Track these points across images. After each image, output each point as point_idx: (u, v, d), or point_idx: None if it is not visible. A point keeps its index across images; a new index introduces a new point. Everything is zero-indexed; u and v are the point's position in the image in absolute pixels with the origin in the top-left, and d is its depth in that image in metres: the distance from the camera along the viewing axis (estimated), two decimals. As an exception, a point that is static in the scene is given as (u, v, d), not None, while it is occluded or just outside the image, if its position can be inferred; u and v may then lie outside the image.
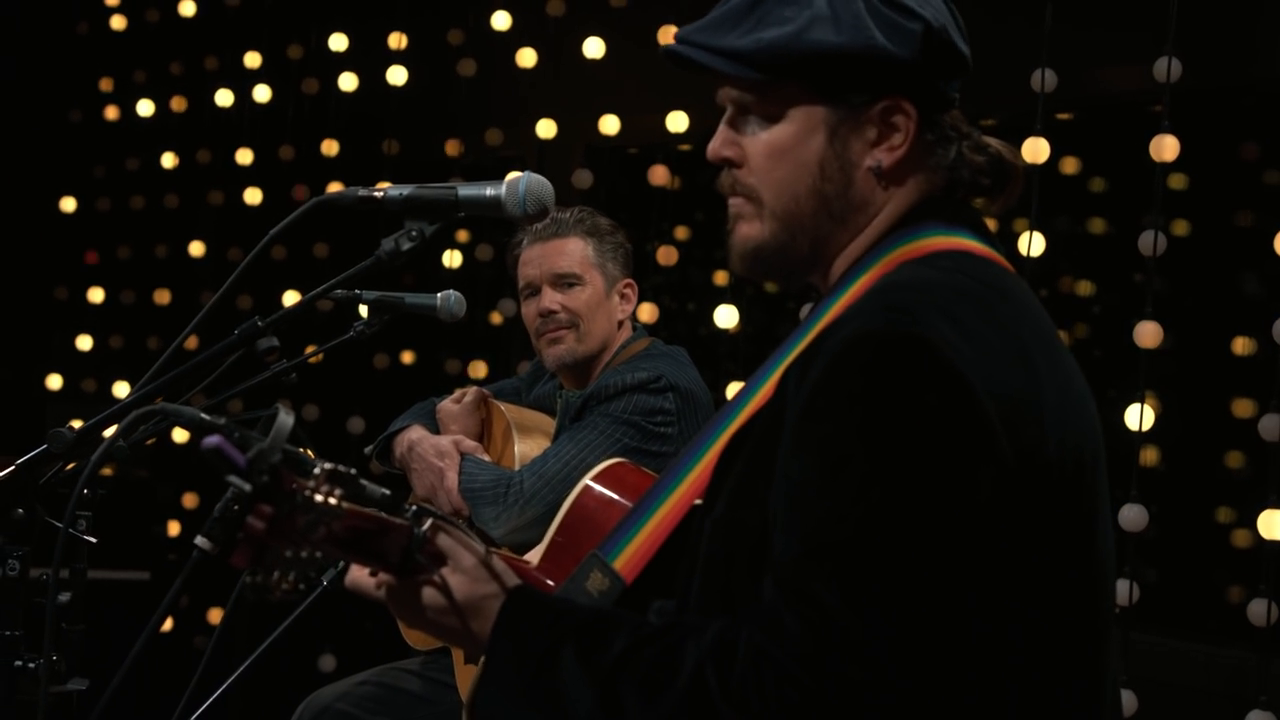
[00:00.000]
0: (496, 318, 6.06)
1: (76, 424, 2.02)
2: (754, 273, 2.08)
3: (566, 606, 1.93)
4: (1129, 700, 3.95)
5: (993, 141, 2.06)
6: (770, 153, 2.01)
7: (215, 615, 6.51)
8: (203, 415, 1.81)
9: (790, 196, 2.01)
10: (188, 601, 6.58)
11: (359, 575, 1.99)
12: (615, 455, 3.59)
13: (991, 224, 2.07)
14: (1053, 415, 1.85)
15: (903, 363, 1.77)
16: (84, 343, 7.31)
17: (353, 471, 1.80)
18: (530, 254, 3.89)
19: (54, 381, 7.31)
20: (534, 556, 2.23)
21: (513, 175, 2.07)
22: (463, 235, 6.41)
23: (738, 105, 2.04)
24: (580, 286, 3.85)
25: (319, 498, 1.75)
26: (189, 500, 6.85)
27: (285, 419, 1.75)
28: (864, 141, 1.99)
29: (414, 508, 1.91)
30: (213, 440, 1.72)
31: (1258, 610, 3.87)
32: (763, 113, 2.01)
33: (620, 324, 3.93)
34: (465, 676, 3.58)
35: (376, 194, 2.07)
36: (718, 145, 2.06)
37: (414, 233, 2.04)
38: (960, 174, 2.03)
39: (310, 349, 3.43)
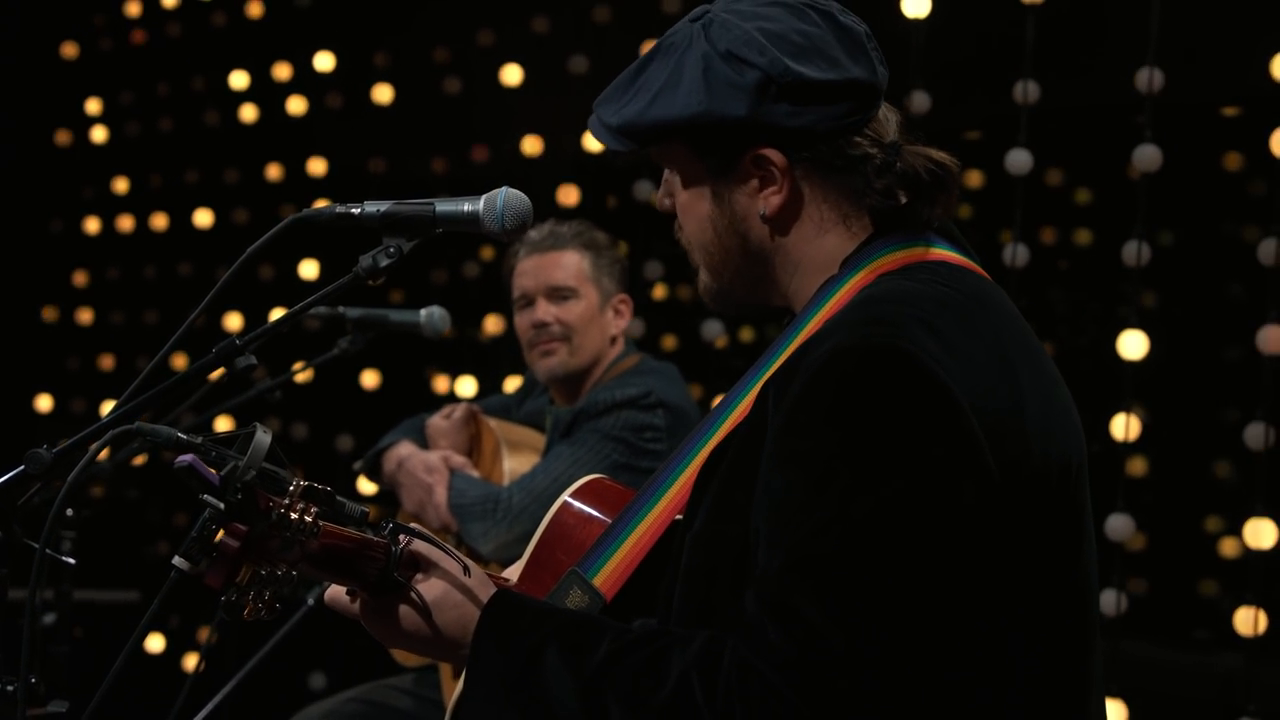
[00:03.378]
0: (485, 334, 6.06)
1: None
2: (721, 310, 2.17)
3: (550, 609, 1.93)
4: (1119, 710, 3.95)
5: (908, 155, 2.01)
6: (681, 210, 2.07)
7: (205, 634, 6.49)
8: (179, 434, 1.80)
9: (704, 248, 2.06)
10: (178, 621, 6.57)
11: (338, 593, 1.99)
12: (604, 471, 3.58)
13: (974, 235, 2.07)
14: (1036, 426, 1.85)
15: (885, 376, 1.77)
16: (73, 363, 7.30)
17: (328, 489, 1.80)
18: (526, 265, 3.89)
19: (43, 403, 7.30)
20: (512, 574, 2.22)
21: (491, 191, 2.06)
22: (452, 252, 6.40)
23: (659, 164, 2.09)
24: (575, 300, 3.85)
25: (294, 516, 1.74)
26: (179, 520, 6.82)
27: (262, 437, 1.74)
28: (746, 193, 2.01)
29: (391, 525, 1.91)
30: (185, 459, 1.71)
31: (1246, 619, 3.86)
32: (670, 170, 2.07)
33: (613, 339, 3.93)
34: (452, 691, 3.57)
35: (354, 210, 2.07)
36: (658, 201, 2.12)
37: (392, 249, 2.03)
38: (867, 200, 2.01)
39: (297, 366, 3.43)
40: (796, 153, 1.98)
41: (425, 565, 1.93)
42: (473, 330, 6.11)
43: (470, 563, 1.95)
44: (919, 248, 1.98)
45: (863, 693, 1.68)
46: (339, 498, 1.81)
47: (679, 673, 1.76)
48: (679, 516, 2.04)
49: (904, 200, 2.01)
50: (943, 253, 1.99)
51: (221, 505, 1.70)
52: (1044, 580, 1.86)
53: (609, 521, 2.13)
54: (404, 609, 1.92)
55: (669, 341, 5.78)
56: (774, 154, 1.98)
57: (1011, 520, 1.81)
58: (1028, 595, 1.84)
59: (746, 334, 5.49)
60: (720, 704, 1.73)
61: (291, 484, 1.75)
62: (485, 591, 1.93)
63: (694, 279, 2.14)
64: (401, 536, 1.90)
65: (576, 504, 2.22)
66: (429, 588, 1.92)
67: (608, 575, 2.07)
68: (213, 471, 1.70)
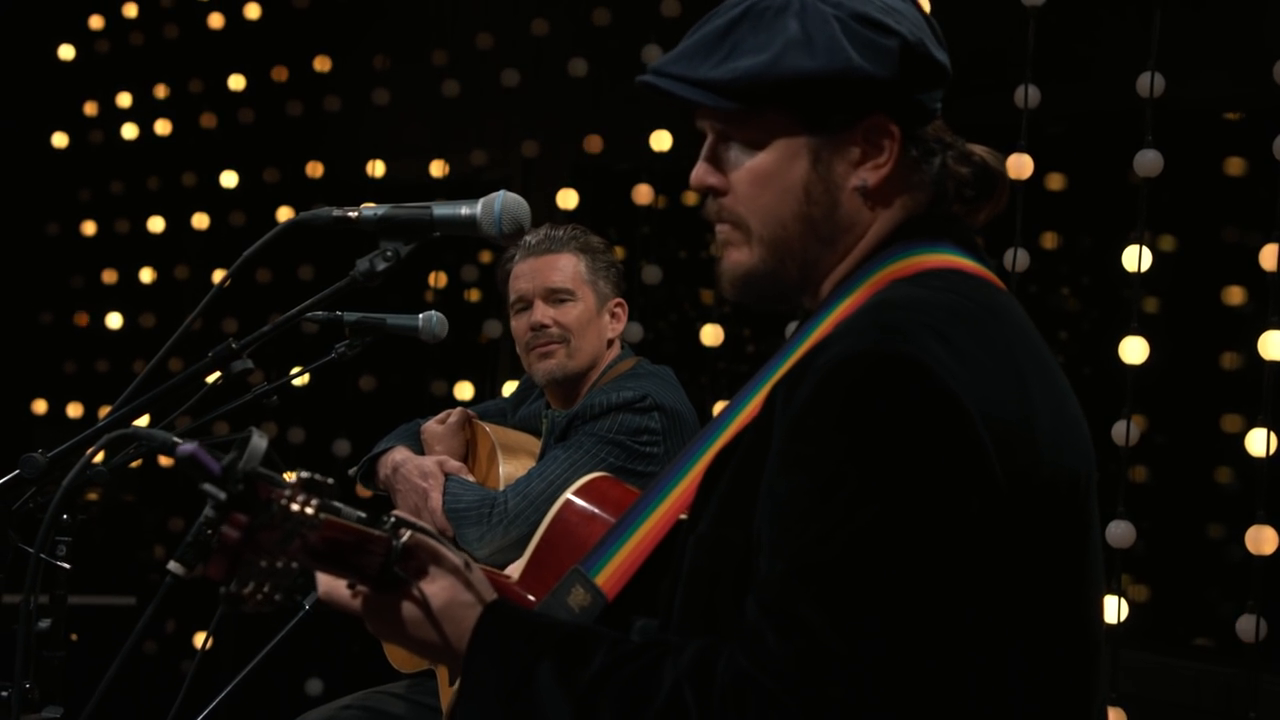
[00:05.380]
0: (483, 339, 6.05)
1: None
2: (745, 298, 2.06)
3: (544, 622, 1.91)
4: (1120, 718, 3.93)
5: (978, 150, 2.04)
6: (754, 180, 1.99)
7: (202, 639, 6.48)
8: (174, 438, 1.79)
9: (777, 222, 1.99)
10: (174, 626, 6.55)
11: (334, 587, 1.96)
12: (600, 474, 3.58)
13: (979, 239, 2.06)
14: (1046, 438, 1.84)
15: (894, 383, 1.75)
16: (70, 367, 7.29)
17: (330, 480, 1.78)
18: (522, 268, 3.88)
19: (40, 406, 7.29)
20: (514, 571, 2.21)
21: (489, 195, 2.05)
22: (449, 256, 6.40)
23: (718, 133, 2.02)
24: (572, 302, 3.84)
25: (295, 507, 1.73)
26: (175, 524, 6.82)
27: (258, 441, 1.73)
28: (848, 162, 1.98)
29: (392, 519, 1.89)
30: (188, 447, 1.70)
31: (1247, 626, 3.85)
32: (744, 140, 1.99)
33: (610, 343, 3.92)
34: (449, 697, 3.55)
35: (351, 214, 2.06)
36: (701, 174, 2.04)
37: (389, 252, 2.02)
38: (945, 186, 2.02)
39: (295, 371, 3.42)
40: (909, 127, 1.98)
41: (427, 561, 1.91)
42: (471, 334, 6.11)
43: (471, 560, 1.94)
44: (934, 254, 1.97)
45: (864, 702, 1.67)
46: (335, 502, 1.80)
47: (671, 683, 1.75)
48: (683, 516, 2.02)
49: (973, 193, 2.03)
50: (958, 260, 1.97)
51: (223, 495, 1.69)
52: (1049, 591, 1.85)
53: (612, 520, 2.11)
54: (405, 606, 1.90)
55: (668, 346, 5.77)
56: (893, 125, 1.97)
57: (1018, 531, 1.79)
58: (1032, 606, 1.82)
59: (744, 338, 5.48)
60: (715, 714, 1.71)
61: (293, 475, 1.74)
62: (486, 594, 1.92)
63: (695, 282, 2.12)
64: (402, 531, 1.89)
65: (579, 502, 2.21)
66: (431, 586, 1.90)
67: (610, 574, 2.05)
68: (215, 461, 1.69)
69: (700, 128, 2.05)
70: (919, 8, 2.02)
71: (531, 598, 2.10)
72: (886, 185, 1.99)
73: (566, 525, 2.19)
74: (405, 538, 1.89)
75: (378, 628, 1.95)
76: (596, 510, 2.19)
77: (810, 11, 1.94)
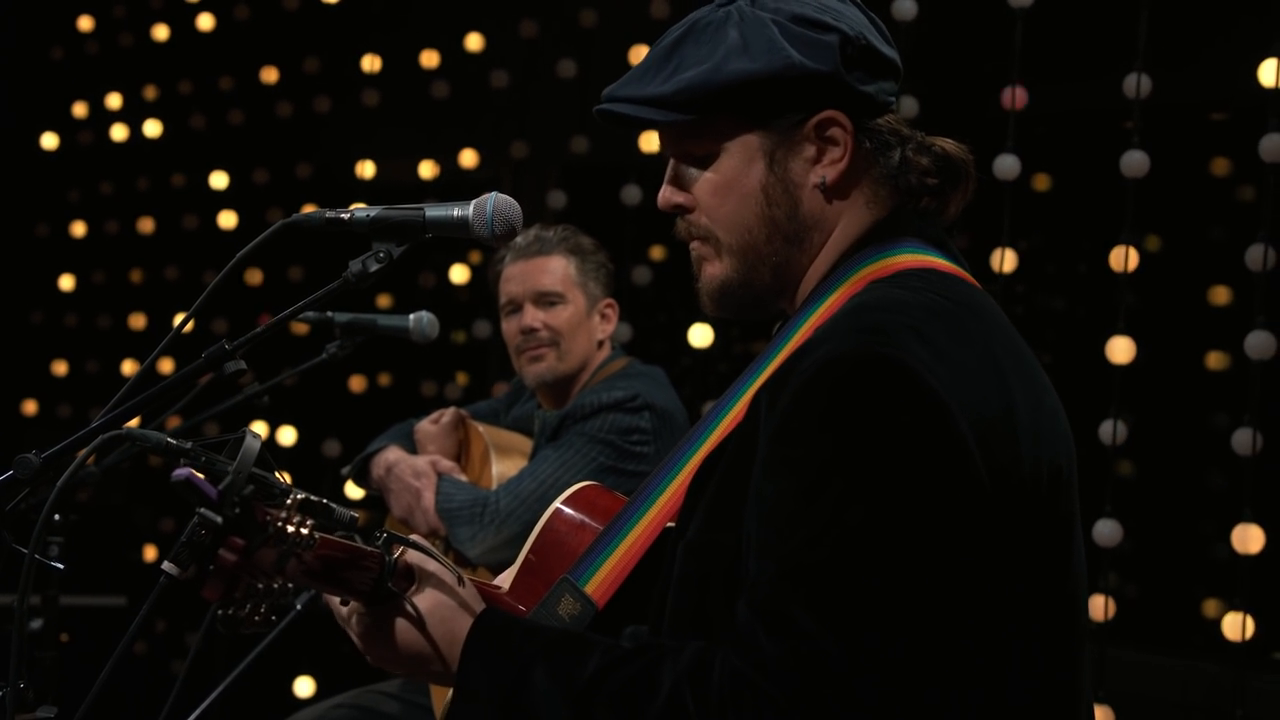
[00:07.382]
0: (471, 338, 6.06)
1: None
2: (726, 311, 2.09)
3: (535, 627, 1.93)
4: (1108, 716, 3.95)
5: (939, 140, 2.06)
6: (715, 190, 2.03)
7: (193, 639, 6.48)
8: (169, 440, 1.80)
9: (743, 229, 2.02)
10: (165, 626, 6.55)
11: (334, 603, 1.98)
12: (591, 474, 3.59)
13: (962, 240, 2.07)
14: (1027, 433, 1.85)
15: (877, 384, 1.77)
16: (60, 368, 7.28)
17: (324, 500, 1.79)
18: (513, 271, 3.89)
19: (30, 407, 7.28)
20: (504, 581, 2.21)
21: (480, 196, 2.06)
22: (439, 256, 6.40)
23: (676, 151, 2.06)
24: (562, 305, 3.85)
25: (291, 529, 1.74)
26: (166, 525, 6.81)
27: (252, 442, 1.73)
28: (804, 160, 2.01)
29: (385, 535, 1.90)
30: (183, 472, 1.70)
31: (1234, 624, 3.87)
32: (701, 152, 2.03)
33: (600, 343, 3.93)
34: (441, 699, 3.56)
35: (344, 215, 2.07)
36: (667, 195, 2.09)
37: (381, 254, 2.03)
38: (907, 178, 2.04)
39: (286, 371, 3.42)
40: (860, 120, 2.00)
41: (419, 575, 1.93)
42: (461, 335, 6.11)
43: (464, 575, 1.95)
44: (909, 254, 1.99)
45: (857, 700, 1.68)
46: (331, 505, 1.80)
47: (671, 683, 1.76)
48: (671, 524, 2.04)
49: (936, 181, 2.04)
50: (933, 260, 1.99)
51: (219, 519, 1.69)
52: (1034, 586, 1.86)
53: (601, 529, 2.12)
54: (399, 619, 1.92)
55: (657, 346, 5.77)
56: (842, 118, 1.99)
57: (1002, 527, 1.81)
58: (1018, 601, 1.84)
59: (733, 338, 5.48)
60: (714, 713, 1.72)
61: (289, 496, 1.74)
62: (478, 605, 1.93)
63: (684, 282, 2.13)
64: (395, 546, 1.90)
65: (569, 511, 2.22)
66: (423, 599, 1.91)
67: (599, 582, 2.06)
68: (210, 485, 1.69)
69: (664, 155, 2.09)
70: (862, 8, 2.05)
71: (522, 608, 2.11)
72: (846, 180, 2.01)
73: (556, 535, 2.20)
74: (398, 554, 1.90)
75: (372, 645, 1.95)
76: (585, 519, 2.19)
77: (748, 19, 1.98)
